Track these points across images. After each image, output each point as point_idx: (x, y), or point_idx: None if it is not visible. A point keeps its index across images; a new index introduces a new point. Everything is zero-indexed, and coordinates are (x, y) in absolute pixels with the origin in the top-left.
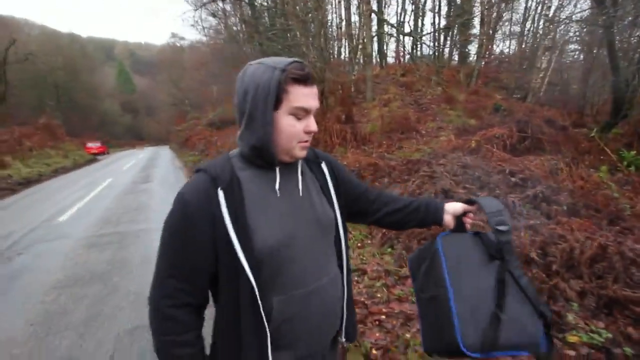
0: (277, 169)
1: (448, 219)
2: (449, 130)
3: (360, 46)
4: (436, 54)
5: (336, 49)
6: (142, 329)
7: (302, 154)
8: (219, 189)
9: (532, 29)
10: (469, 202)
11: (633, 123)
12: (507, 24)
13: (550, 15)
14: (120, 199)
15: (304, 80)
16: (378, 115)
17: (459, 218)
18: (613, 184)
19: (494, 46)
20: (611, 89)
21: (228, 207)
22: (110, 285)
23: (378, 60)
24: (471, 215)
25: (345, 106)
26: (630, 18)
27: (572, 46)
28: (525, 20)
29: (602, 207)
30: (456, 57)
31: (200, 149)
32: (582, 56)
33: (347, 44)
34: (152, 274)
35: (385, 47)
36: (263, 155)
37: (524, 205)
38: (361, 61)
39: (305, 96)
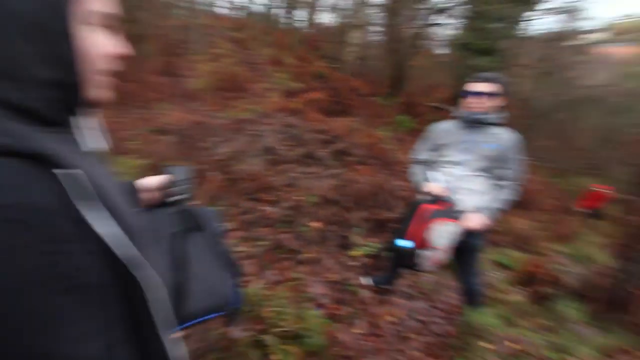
0: (95, 122)
1: (147, 196)
2: (276, 92)
3: None
4: (267, 13)
5: None
6: None
7: (107, 95)
8: (55, 170)
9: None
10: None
11: (405, 94)
12: None
13: None
14: None
15: None
16: (207, 70)
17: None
18: (390, 139)
19: (318, 15)
20: (393, 67)
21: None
22: None
23: (210, 8)
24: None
25: (168, 56)
26: (407, 12)
27: (375, 27)
28: None
29: (382, 156)
30: (287, 21)
31: None
32: (381, 37)
33: None
34: None
35: None
36: (65, 97)
37: (330, 158)
38: (189, 5)
39: None
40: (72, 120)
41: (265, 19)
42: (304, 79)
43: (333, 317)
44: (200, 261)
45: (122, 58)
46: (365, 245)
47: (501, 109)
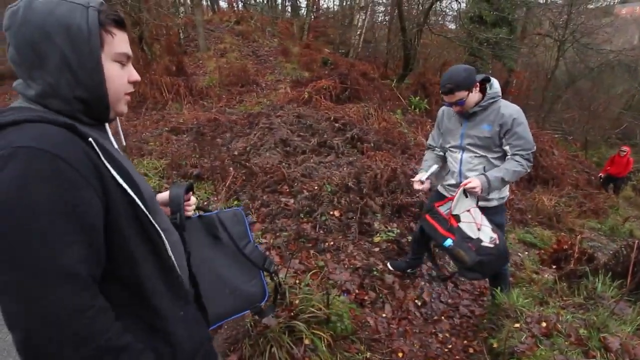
0: (107, 126)
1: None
2: (286, 83)
3: None
4: (269, 3)
5: None
6: None
7: (126, 108)
8: (90, 138)
9: None
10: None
11: (416, 75)
12: None
13: None
14: None
15: (122, 23)
16: (215, 66)
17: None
18: (404, 123)
19: (321, 1)
20: (401, 47)
21: (105, 157)
22: None
23: (209, 3)
24: (193, 200)
25: (175, 55)
26: None
27: (380, 7)
28: None
29: (397, 140)
30: (289, 9)
31: None
32: (387, 17)
33: None
34: None
35: None
36: (94, 109)
37: (345, 146)
38: (188, 1)
39: (126, 41)
40: (108, 121)
41: (268, 9)
42: (312, 67)
43: (360, 302)
44: (221, 267)
45: (135, 83)
46: (386, 231)
47: (488, 89)
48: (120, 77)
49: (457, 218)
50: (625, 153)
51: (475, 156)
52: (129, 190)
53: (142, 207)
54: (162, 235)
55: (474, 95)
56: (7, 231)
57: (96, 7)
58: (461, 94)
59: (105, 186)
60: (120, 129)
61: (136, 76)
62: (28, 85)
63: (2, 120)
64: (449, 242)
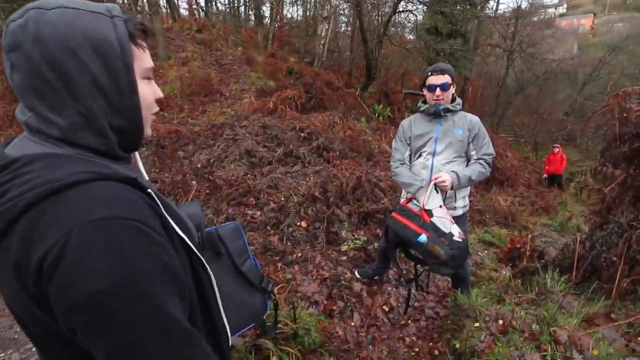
0: (137, 154)
1: None
2: (251, 92)
3: None
4: (231, 11)
5: None
6: None
7: (150, 131)
8: (149, 189)
9: None
10: None
11: (379, 84)
12: None
13: None
14: None
15: (147, 34)
16: (176, 76)
17: None
18: (369, 130)
19: (285, 11)
20: (364, 57)
21: (164, 207)
22: None
23: (168, 11)
24: None
25: None
26: (373, 1)
27: (342, 18)
28: None
29: (362, 148)
30: (253, 18)
31: None
32: (349, 27)
33: None
34: None
35: None
36: (129, 138)
37: (311, 155)
38: (146, 8)
39: (149, 54)
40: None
41: (231, 18)
42: (277, 77)
43: (329, 313)
44: (226, 284)
45: (160, 101)
46: (353, 239)
47: (455, 96)
48: (149, 96)
49: (429, 213)
50: (557, 150)
51: (446, 162)
52: (187, 240)
53: (197, 253)
54: (212, 277)
55: (452, 89)
56: (129, 309)
57: (121, 16)
58: (448, 78)
59: (172, 239)
60: (139, 158)
61: (160, 93)
62: (48, 121)
63: (55, 184)
64: (423, 238)
